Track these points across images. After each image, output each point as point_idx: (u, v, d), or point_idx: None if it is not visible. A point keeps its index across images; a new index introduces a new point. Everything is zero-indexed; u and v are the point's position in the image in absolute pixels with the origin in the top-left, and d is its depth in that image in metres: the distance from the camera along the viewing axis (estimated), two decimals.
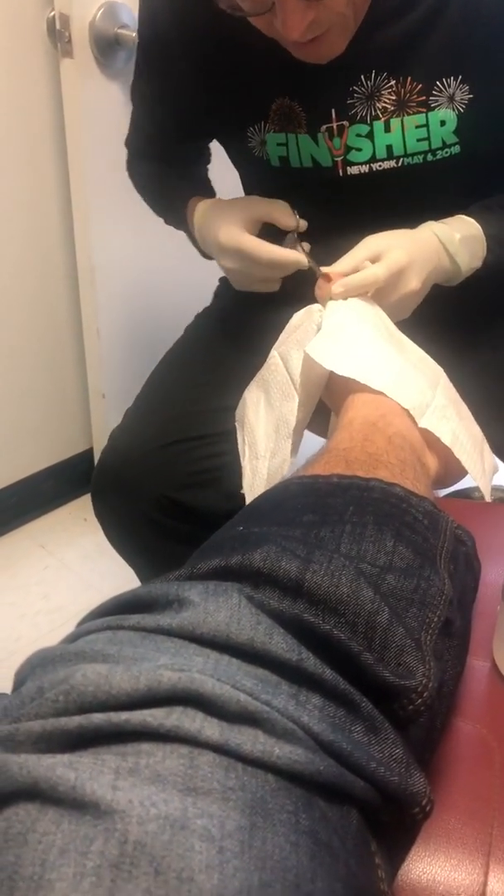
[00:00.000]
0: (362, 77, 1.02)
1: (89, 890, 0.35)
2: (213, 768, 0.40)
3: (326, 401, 0.95)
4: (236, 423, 1.09)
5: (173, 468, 1.17)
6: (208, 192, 1.31)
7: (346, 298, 0.97)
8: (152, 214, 1.38)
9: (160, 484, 1.17)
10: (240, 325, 1.27)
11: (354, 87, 1.03)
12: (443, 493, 1.40)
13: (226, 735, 0.41)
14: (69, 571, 1.85)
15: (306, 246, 1.07)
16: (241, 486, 0.99)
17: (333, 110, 1.05)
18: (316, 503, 0.66)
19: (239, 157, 1.23)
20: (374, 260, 0.99)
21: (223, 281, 1.42)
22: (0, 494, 2.03)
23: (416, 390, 0.84)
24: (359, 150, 1.07)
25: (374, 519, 0.63)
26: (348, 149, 1.07)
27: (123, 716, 0.41)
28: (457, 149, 1.06)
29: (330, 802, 0.43)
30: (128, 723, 0.41)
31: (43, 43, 1.68)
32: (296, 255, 1.04)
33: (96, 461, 1.28)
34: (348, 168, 1.09)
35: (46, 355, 1.99)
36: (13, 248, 1.79)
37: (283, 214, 1.08)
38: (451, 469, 0.86)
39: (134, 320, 1.94)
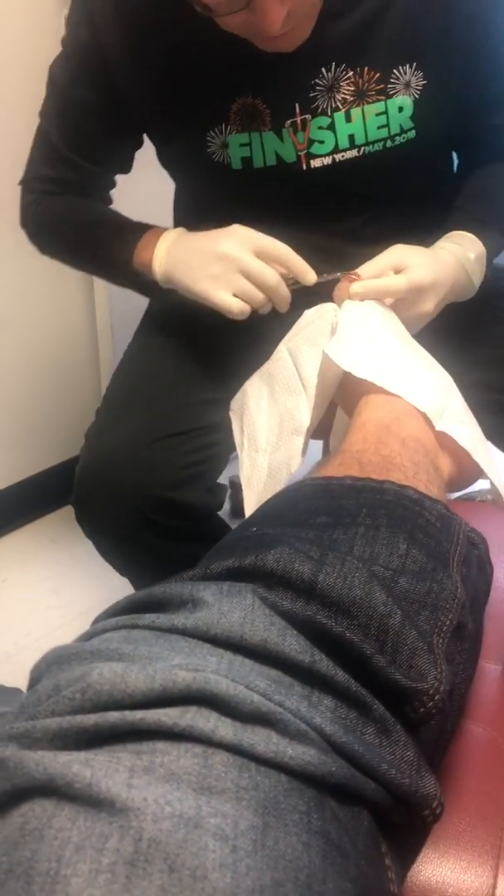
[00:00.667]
0: (323, 69, 1.03)
1: (104, 886, 0.35)
2: (227, 768, 0.41)
3: (339, 401, 0.95)
4: (231, 414, 1.08)
5: (162, 466, 1.13)
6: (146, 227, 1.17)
7: (362, 300, 0.97)
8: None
9: (150, 483, 1.12)
10: (211, 317, 1.16)
11: (316, 80, 1.03)
12: (452, 496, 1.39)
13: (239, 735, 0.42)
14: (80, 567, 1.86)
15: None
16: (219, 477, 0.97)
17: (297, 104, 1.05)
18: (329, 505, 0.66)
19: (191, 166, 1.17)
20: (396, 270, 1.00)
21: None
22: (12, 489, 2.04)
23: (432, 394, 0.84)
24: (321, 142, 1.07)
25: (388, 521, 0.63)
26: (311, 142, 1.07)
27: (139, 714, 0.41)
28: (412, 133, 1.08)
29: (341, 803, 0.44)
30: (143, 721, 0.41)
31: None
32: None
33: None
34: (311, 161, 1.08)
35: (62, 354, 1.99)
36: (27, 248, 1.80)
37: (301, 266, 1.02)
38: (465, 472, 0.86)
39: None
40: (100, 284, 1.89)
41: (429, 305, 1.00)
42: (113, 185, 1.24)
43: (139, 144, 1.19)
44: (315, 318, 1.00)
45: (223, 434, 1.15)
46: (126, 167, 1.22)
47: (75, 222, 1.20)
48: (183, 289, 1.05)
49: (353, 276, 0.98)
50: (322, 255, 1.04)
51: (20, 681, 1.38)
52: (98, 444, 1.16)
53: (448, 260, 1.03)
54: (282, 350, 1.02)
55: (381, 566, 0.58)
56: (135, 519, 1.13)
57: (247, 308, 1.00)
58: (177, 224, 1.31)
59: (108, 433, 1.16)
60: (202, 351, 1.19)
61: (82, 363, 2.05)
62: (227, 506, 2.01)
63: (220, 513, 1.26)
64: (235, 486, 1.98)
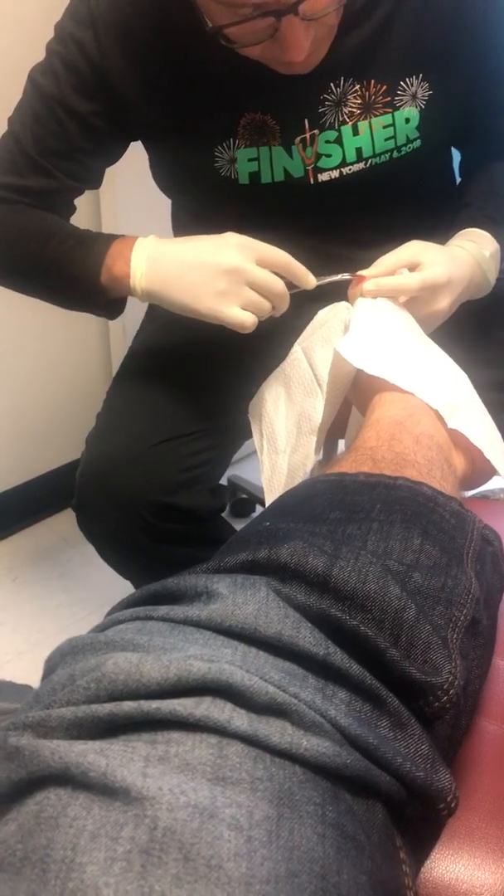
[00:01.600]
0: (332, 84, 1.02)
1: (119, 874, 0.35)
2: (242, 758, 0.41)
3: (352, 399, 0.95)
4: (250, 417, 1.07)
5: (161, 469, 1.11)
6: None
7: (375, 298, 0.97)
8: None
9: (150, 487, 1.10)
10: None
11: (325, 95, 1.03)
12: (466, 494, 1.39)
13: (254, 726, 0.42)
14: (91, 565, 1.85)
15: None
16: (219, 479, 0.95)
17: (306, 120, 1.04)
18: (343, 501, 0.66)
19: (196, 181, 1.13)
20: (411, 268, 0.99)
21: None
22: (24, 488, 2.04)
23: (445, 391, 0.84)
24: (328, 156, 1.06)
25: (402, 517, 0.63)
26: (318, 156, 1.07)
27: (154, 704, 0.41)
28: (418, 143, 1.08)
29: (356, 796, 0.44)
30: (158, 711, 0.41)
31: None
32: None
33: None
34: (319, 175, 1.08)
35: (75, 355, 2.00)
36: None
37: (301, 271, 0.99)
38: (479, 470, 0.86)
39: None
40: None
41: (444, 304, 0.99)
42: (73, 207, 1.16)
43: (115, 159, 1.13)
44: (329, 317, 1.00)
45: (223, 436, 1.15)
46: (97, 182, 1.14)
47: (27, 234, 1.08)
48: (179, 307, 0.99)
49: (358, 276, 0.98)
50: (330, 263, 1.03)
51: (32, 678, 1.39)
52: (97, 449, 1.15)
53: (464, 257, 1.03)
54: (297, 350, 1.02)
55: (395, 561, 0.58)
56: (135, 523, 1.12)
57: (256, 320, 0.97)
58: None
59: (107, 438, 1.16)
60: (202, 353, 1.18)
61: (95, 363, 2.06)
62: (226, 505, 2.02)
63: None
64: (235, 487, 1.99)
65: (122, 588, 1.31)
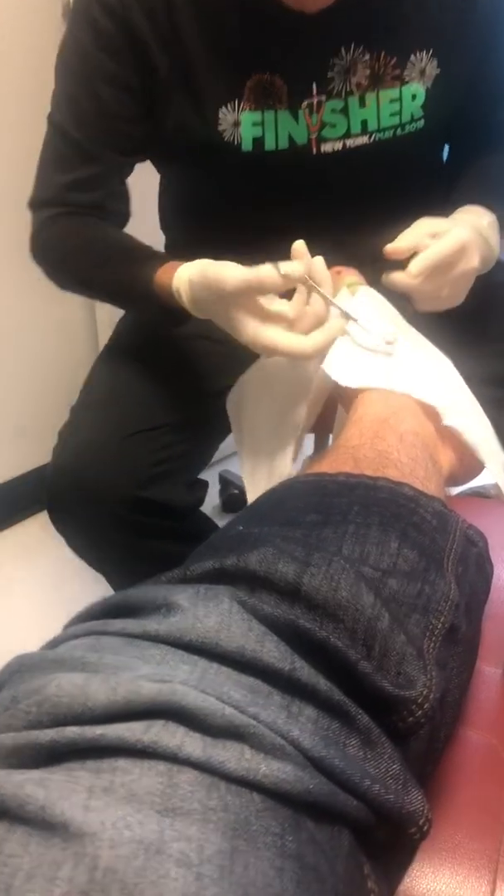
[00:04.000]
0: (342, 49, 1.02)
1: None
2: (194, 787, 0.38)
3: (337, 397, 0.92)
4: (228, 409, 1.05)
5: (133, 462, 1.08)
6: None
7: (418, 280, 0.94)
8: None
9: (121, 481, 1.07)
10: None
11: (334, 60, 1.02)
12: (456, 490, 1.36)
13: (208, 751, 0.39)
14: (78, 563, 1.82)
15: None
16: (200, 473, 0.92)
17: (314, 83, 1.04)
18: (320, 503, 0.63)
19: (197, 146, 1.09)
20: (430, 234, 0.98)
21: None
22: (11, 484, 2.02)
23: (439, 388, 0.82)
24: (333, 125, 1.06)
25: (380, 520, 0.60)
26: (323, 125, 1.06)
27: (98, 730, 0.39)
28: (422, 123, 1.08)
29: (319, 823, 0.41)
30: (103, 737, 0.38)
31: (59, 28, 1.65)
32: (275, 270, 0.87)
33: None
34: (322, 145, 1.07)
35: (60, 343, 1.97)
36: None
37: (271, 281, 0.87)
38: (468, 466, 0.83)
39: None
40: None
41: (474, 260, 0.99)
42: (126, 195, 1.16)
43: (149, 128, 1.10)
44: None
45: (199, 429, 1.13)
46: (140, 154, 1.14)
47: (87, 247, 1.12)
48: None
49: (337, 270, 0.95)
50: (323, 243, 1.00)
51: None
52: (68, 442, 1.13)
53: (468, 222, 1.02)
54: None
55: (370, 567, 0.55)
56: (107, 519, 1.09)
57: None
58: (164, 224, 1.29)
59: (79, 431, 1.13)
60: (181, 344, 1.15)
61: (83, 357, 2.03)
62: (217, 501, 1.99)
63: (211, 508, 1.23)
64: (226, 482, 1.96)
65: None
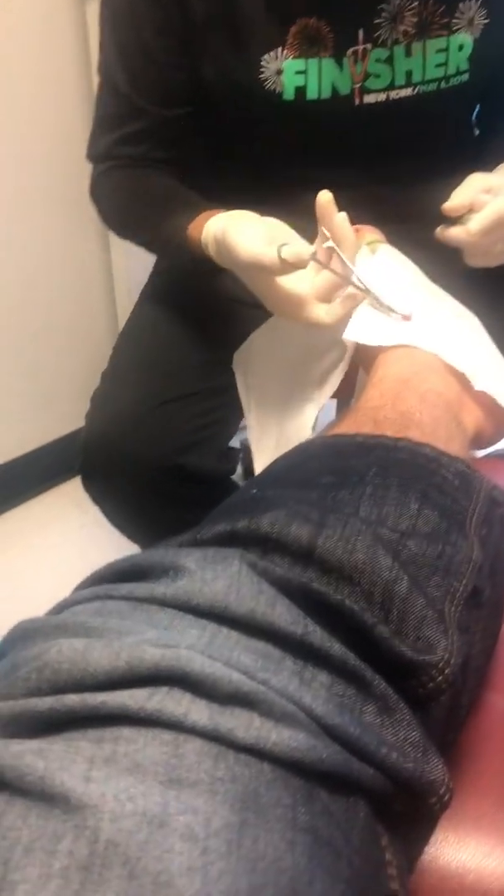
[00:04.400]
0: None
1: (55, 893, 0.31)
2: (200, 757, 0.36)
3: (356, 358, 0.89)
4: (234, 368, 1.02)
5: (169, 429, 1.08)
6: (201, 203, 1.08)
7: (474, 236, 0.90)
8: None
9: (157, 448, 1.08)
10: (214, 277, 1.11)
11: (382, 6, 0.99)
12: (483, 452, 1.33)
13: (216, 719, 0.37)
14: (105, 531, 1.83)
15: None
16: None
17: (361, 31, 1.00)
18: (336, 464, 0.61)
19: (236, 95, 1.08)
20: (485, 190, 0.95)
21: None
22: (37, 454, 2.01)
23: (465, 349, 0.79)
24: (377, 76, 1.03)
25: (399, 481, 0.58)
26: (367, 75, 1.03)
27: (100, 697, 0.37)
28: (466, 76, 1.05)
29: (334, 794, 0.39)
30: (105, 705, 0.37)
31: None
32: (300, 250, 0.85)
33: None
34: (365, 96, 1.04)
35: (81, 321, 1.96)
36: (45, 208, 1.76)
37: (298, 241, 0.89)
38: (497, 426, 0.81)
39: None
40: (117, 248, 1.84)
41: None
42: (178, 142, 1.16)
43: (196, 82, 1.10)
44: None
45: (234, 395, 1.11)
46: (182, 106, 1.12)
47: (133, 199, 1.15)
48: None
49: (356, 228, 0.91)
50: (353, 197, 0.98)
51: None
52: (103, 409, 1.12)
53: None
54: None
55: (388, 528, 0.53)
56: (142, 486, 1.09)
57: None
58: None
59: (113, 397, 1.12)
60: (210, 310, 1.14)
61: (101, 320, 2.02)
62: (239, 468, 1.97)
63: (233, 477, 1.22)
64: (247, 449, 1.93)
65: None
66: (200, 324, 1.15)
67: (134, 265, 1.85)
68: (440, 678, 0.46)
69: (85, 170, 1.32)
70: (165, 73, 1.06)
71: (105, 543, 1.83)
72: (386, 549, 0.50)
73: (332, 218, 0.85)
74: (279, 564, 0.48)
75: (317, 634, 0.44)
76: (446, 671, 0.46)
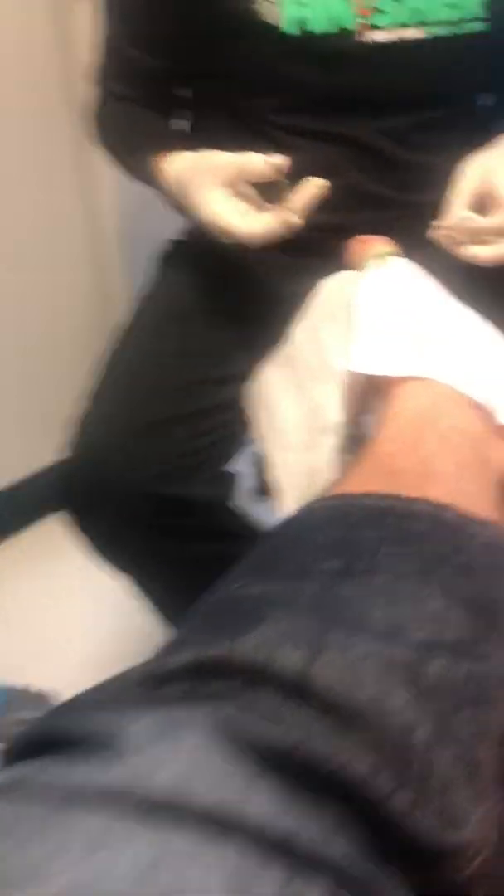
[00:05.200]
0: None
1: None
2: None
3: (366, 387, 0.78)
4: (247, 403, 0.94)
5: (159, 454, 1.03)
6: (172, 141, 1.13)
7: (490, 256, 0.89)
8: None
9: (145, 476, 1.02)
10: (212, 290, 1.11)
11: None
12: None
13: None
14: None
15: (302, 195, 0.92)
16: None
17: None
18: (342, 540, 0.50)
19: (230, 34, 1.04)
20: (484, 189, 0.93)
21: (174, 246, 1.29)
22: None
23: (491, 379, 0.67)
24: (383, 12, 0.99)
25: (420, 566, 0.46)
26: (373, 10, 0.99)
27: None
28: (482, 25, 1.01)
29: None
30: None
31: None
32: (280, 219, 0.91)
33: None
34: (372, 34, 1.00)
35: (87, 345, 1.91)
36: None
37: (255, 166, 0.92)
38: None
39: None
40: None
41: None
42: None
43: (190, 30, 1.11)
44: (334, 289, 0.83)
45: (226, 416, 1.03)
46: (186, 52, 1.13)
47: (120, 130, 1.21)
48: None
49: (362, 240, 0.82)
50: (361, 153, 0.98)
51: (49, 677, 1.34)
52: (88, 433, 1.06)
53: None
54: (300, 331, 0.85)
55: (404, 645, 0.41)
56: (132, 518, 1.03)
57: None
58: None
59: (100, 420, 1.06)
60: (206, 324, 1.08)
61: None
62: (251, 483, 1.87)
63: (245, 491, 1.14)
64: (260, 462, 1.83)
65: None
66: (196, 336, 1.09)
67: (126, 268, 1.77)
68: (470, 867, 0.35)
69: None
70: (162, 23, 1.09)
71: (95, 583, 1.77)
72: (402, 678, 0.39)
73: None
74: (264, 710, 0.37)
75: (310, 830, 0.33)
76: (478, 856, 0.35)
